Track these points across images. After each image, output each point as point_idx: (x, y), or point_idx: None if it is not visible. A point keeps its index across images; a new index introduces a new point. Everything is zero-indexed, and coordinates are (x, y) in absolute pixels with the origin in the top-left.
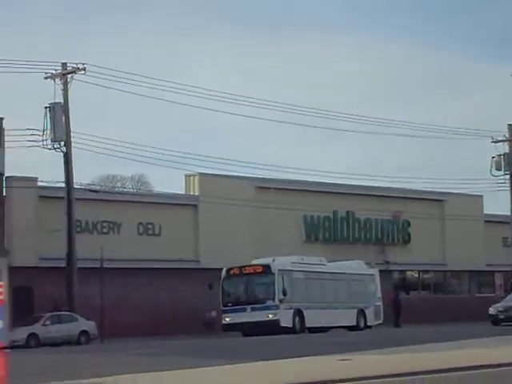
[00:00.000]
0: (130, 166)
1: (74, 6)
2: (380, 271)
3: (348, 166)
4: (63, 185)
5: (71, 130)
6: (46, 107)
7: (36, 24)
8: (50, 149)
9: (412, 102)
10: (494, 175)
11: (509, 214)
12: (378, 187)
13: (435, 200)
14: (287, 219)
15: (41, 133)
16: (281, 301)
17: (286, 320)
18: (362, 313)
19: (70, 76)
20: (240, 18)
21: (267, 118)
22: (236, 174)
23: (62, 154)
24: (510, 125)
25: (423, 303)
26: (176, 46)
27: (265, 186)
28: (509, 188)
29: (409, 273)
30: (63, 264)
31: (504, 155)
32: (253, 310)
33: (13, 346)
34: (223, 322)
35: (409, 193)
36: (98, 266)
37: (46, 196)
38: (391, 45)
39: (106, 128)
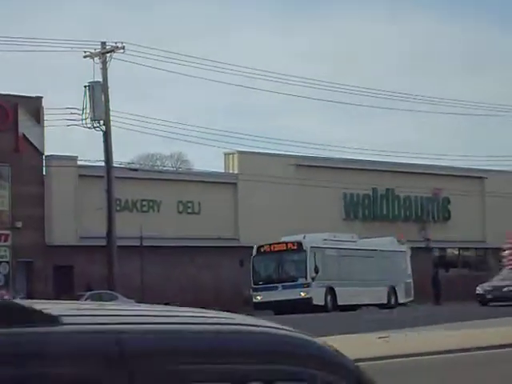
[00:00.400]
0: (170, 145)
1: None
2: (420, 248)
3: (387, 143)
4: (103, 164)
5: (110, 108)
6: (85, 86)
7: (75, 3)
8: (89, 128)
9: (451, 78)
10: None
11: None
12: (418, 164)
13: (475, 177)
14: (326, 197)
15: (80, 112)
16: (313, 278)
17: (318, 298)
18: (392, 290)
19: (108, 55)
20: None
21: (307, 95)
22: (275, 151)
23: (101, 132)
24: None
25: (463, 280)
26: (216, 24)
27: (304, 164)
28: None
29: (449, 250)
30: (103, 243)
31: None
32: (284, 288)
33: None
34: (254, 300)
35: (449, 170)
36: (137, 244)
37: (86, 175)
38: (432, 22)
39: (145, 107)
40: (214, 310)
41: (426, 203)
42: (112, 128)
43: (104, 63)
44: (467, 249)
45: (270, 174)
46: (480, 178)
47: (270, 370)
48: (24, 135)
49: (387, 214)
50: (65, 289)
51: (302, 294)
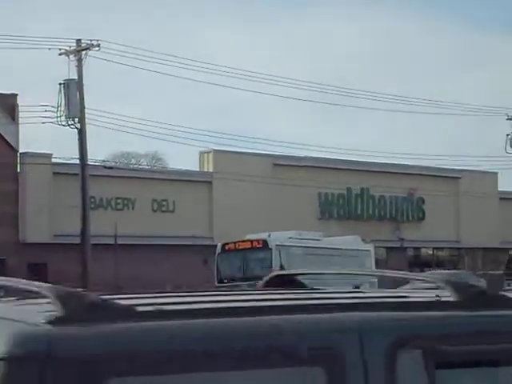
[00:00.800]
0: (145, 143)
1: None
2: (394, 248)
3: (363, 143)
4: (77, 161)
5: (85, 106)
6: (60, 84)
7: (50, 0)
8: (64, 125)
9: (426, 78)
10: (508, 152)
11: None
12: (393, 164)
13: (450, 177)
14: (302, 196)
15: (55, 109)
16: None
17: None
18: None
19: (84, 52)
20: None
21: (282, 94)
22: (251, 150)
23: (76, 130)
24: None
25: None
26: (190, 23)
27: (279, 163)
28: None
29: (423, 250)
30: (77, 240)
31: None
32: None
33: None
34: None
35: (423, 170)
36: (112, 242)
37: (61, 172)
38: (402, 20)
39: (121, 105)
40: None
41: (401, 203)
42: (87, 126)
43: (79, 61)
44: (441, 249)
45: (245, 172)
46: (454, 178)
47: None
48: None
49: (362, 214)
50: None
51: None
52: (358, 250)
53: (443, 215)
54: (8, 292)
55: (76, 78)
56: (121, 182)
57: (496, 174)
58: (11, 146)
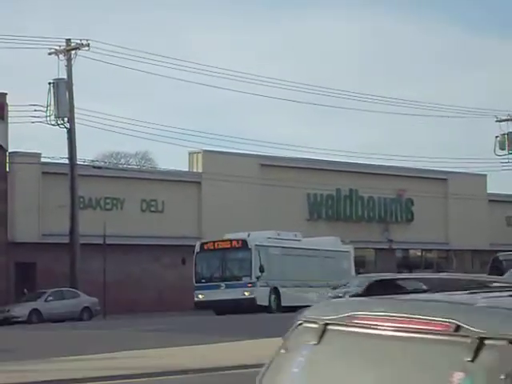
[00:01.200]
0: (134, 143)
1: None
2: (383, 249)
3: (352, 144)
4: (67, 161)
5: (75, 106)
6: (49, 83)
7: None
8: (53, 125)
9: (416, 80)
10: (497, 154)
11: None
12: (382, 166)
13: (439, 179)
14: (291, 197)
15: (44, 109)
16: (258, 278)
17: (262, 298)
18: None
19: (73, 52)
20: None
21: (272, 95)
22: (240, 151)
23: (65, 130)
24: None
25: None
26: (180, 23)
27: (268, 164)
28: None
29: (412, 251)
30: (66, 240)
31: (508, 134)
32: (227, 287)
33: (14, 322)
34: (196, 299)
35: (412, 171)
36: (100, 242)
37: (50, 172)
38: (397, 23)
39: (110, 105)
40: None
41: (390, 204)
42: (76, 125)
43: (69, 60)
44: (430, 250)
45: (234, 173)
46: (443, 179)
47: None
48: None
49: (351, 215)
50: (27, 286)
51: (246, 293)
52: (337, 250)
53: (432, 217)
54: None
55: (65, 77)
56: (110, 182)
57: (485, 176)
58: (0, 146)
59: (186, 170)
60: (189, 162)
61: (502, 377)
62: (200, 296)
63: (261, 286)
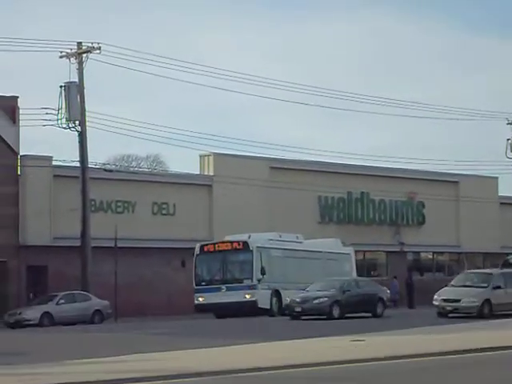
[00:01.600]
0: (146, 146)
1: None
2: (394, 252)
3: (363, 147)
4: (78, 164)
5: (86, 109)
6: (61, 86)
7: (52, 3)
8: (64, 128)
9: (427, 83)
10: (509, 157)
11: None
12: (393, 168)
13: (450, 181)
14: (302, 200)
15: (56, 112)
16: (259, 280)
17: (263, 301)
18: None
19: (85, 55)
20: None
21: (282, 98)
22: (251, 154)
23: (76, 133)
24: None
25: (437, 284)
26: (191, 26)
27: (279, 167)
28: None
29: (423, 254)
30: (78, 243)
31: None
32: (228, 289)
33: (26, 325)
34: (196, 301)
35: (424, 174)
36: (112, 245)
37: (61, 175)
38: (404, 25)
39: (121, 108)
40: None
41: (401, 207)
42: (88, 128)
43: (80, 63)
44: (441, 253)
45: (245, 176)
46: (454, 182)
47: None
48: None
49: (362, 218)
50: (38, 289)
51: (248, 296)
52: (338, 253)
53: (443, 220)
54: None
55: (77, 80)
56: (121, 185)
57: (496, 178)
58: (12, 149)
59: (197, 172)
60: (200, 164)
61: None
62: (200, 299)
63: (262, 289)
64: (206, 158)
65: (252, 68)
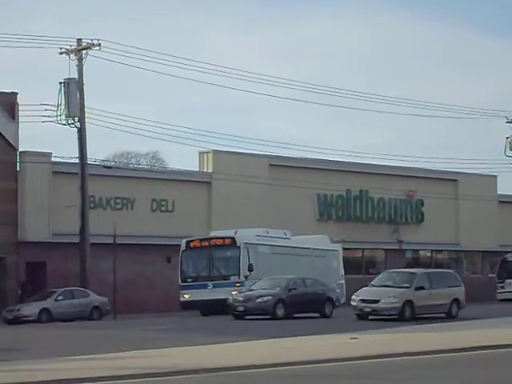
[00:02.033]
0: (145, 143)
1: None
2: (393, 250)
3: (362, 144)
4: (77, 160)
5: (85, 105)
6: (60, 83)
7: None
8: (64, 124)
9: (429, 82)
10: (508, 156)
11: None
12: (392, 166)
13: (449, 180)
14: (301, 197)
15: (55, 108)
16: (246, 277)
17: None
18: None
19: (84, 52)
20: None
21: (282, 95)
22: (250, 151)
23: (76, 129)
24: None
25: None
26: (189, 23)
27: (278, 164)
28: None
29: (422, 252)
30: (76, 240)
31: None
32: (215, 286)
33: (24, 321)
34: (181, 298)
35: (423, 172)
36: (111, 241)
37: (60, 171)
38: (407, 24)
39: (121, 104)
40: None
41: (400, 205)
42: (87, 125)
43: (80, 60)
44: (440, 251)
45: (244, 173)
46: (454, 180)
47: None
48: None
49: (361, 216)
50: (37, 285)
51: (234, 293)
52: (325, 249)
53: (442, 218)
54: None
55: (76, 77)
56: (120, 182)
57: (495, 177)
58: (11, 145)
59: (196, 169)
60: (199, 161)
61: None
62: (186, 296)
63: (249, 286)
64: (206, 154)
65: (252, 65)
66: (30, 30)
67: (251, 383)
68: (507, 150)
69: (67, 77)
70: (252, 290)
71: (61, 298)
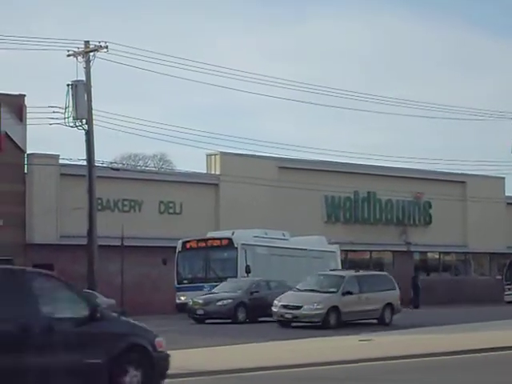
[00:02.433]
0: (152, 145)
1: None
2: (401, 252)
3: (370, 146)
4: (85, 163)
5: (93, 107)
6: (68, 85)
7: (59, 2)
8: (71, 126)
9: (432, 83)
10: None
11: None
12: (400, 168)
13: (457, 181)
14: (308, 199)
15: (63, 110)
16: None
17: None
18: None
19: (92, 54)
20: None
21: (290, 97)
22: (257, 153)
23: (83, 131)
24: None
25: (443, 285)
26: (199, 25)
27: (286, 166)
28: None
29: (430, 254)
30: (84, 242)
31: None
32: (211, 288)
33: None
34: (177, 300)
35: (430, 174)
36: (118, 244)
37: (68, 174)
38: (408, 24)
39: (128, 106)
40: None
41: (408, 207)
42: (94, 127)
43: (87, 62)
44: (448, 253)
45: (251, 175)
46: (461, 182)
47: None
48: (6, 133)
49: (368, 218)
50: None
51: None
52: (323, 250)
53: (450, 220)
54: None
55: (84, 79)
56: (128, 184)
57: (503, 178)
58: (18, 147)
59: (204, 171)
60: (206, 163)
61: None
62: (182, 298)
63: None
64: (213, 157)
65: (259, 67)
66: (38, 32)
67: None
68: None
69: (75, 79)
70: (213, 292)
71: None
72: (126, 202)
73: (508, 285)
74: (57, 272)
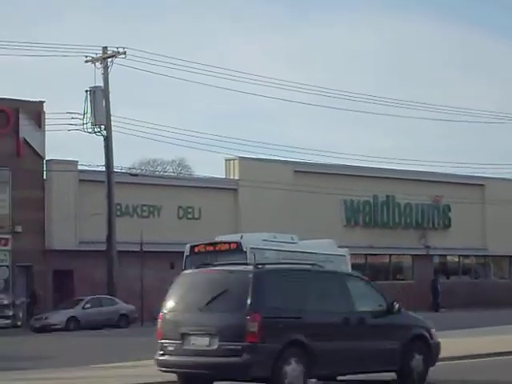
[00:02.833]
0: (171, 150)
1: None
2: (420, 256)
3: (388, 150)
4: (103, 168)
5: (111, 113)
6: (86, 91)
7: (77, 8)
8: (90, 132)
9: (452, 86)
10: None
11: None
12: (419, 171)
13: (476, 184)
14: (327, 204)
15: (81, 116)
16: None
17: None
18: None
19: (110, 60)
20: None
21: (307, 102)
22: (276, 158)
23: (102, 137)
24: None
25: (463, 288)
26: (214, 30)
27: (304, 170)
28: None
29: (449, 257)
30: (103, 247)
31: None
32: None
33: (52, 329)
34: None
35: (449, 177)
36: (137, 249)
37: (87, 179)
38: (425, 27)
39: (146, 112)
40: None
41: (427, 210)
42: (113, 133)
43: (105, 68)
44: (468, 256)
45: (270, 180)
46: (480, 185)
47: None
48: (25, 139)
49: (388, 221)
50: (64, 293)
51: None
52: (333, 254)
53: (469, 223)
54: None
55: (102, 85)
56: (147, 189)
57: None
58: (37, 153)
59: (223, 176)
60: (225, 168)
61: None
62: None
63: None
64: (232, 162)
65: (277, 72)
66: (57, 38)
67: None
68: None
69: (93, 85)
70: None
71: (88, 305)
72: (144, 208)
73: None
74: (76, 278)
